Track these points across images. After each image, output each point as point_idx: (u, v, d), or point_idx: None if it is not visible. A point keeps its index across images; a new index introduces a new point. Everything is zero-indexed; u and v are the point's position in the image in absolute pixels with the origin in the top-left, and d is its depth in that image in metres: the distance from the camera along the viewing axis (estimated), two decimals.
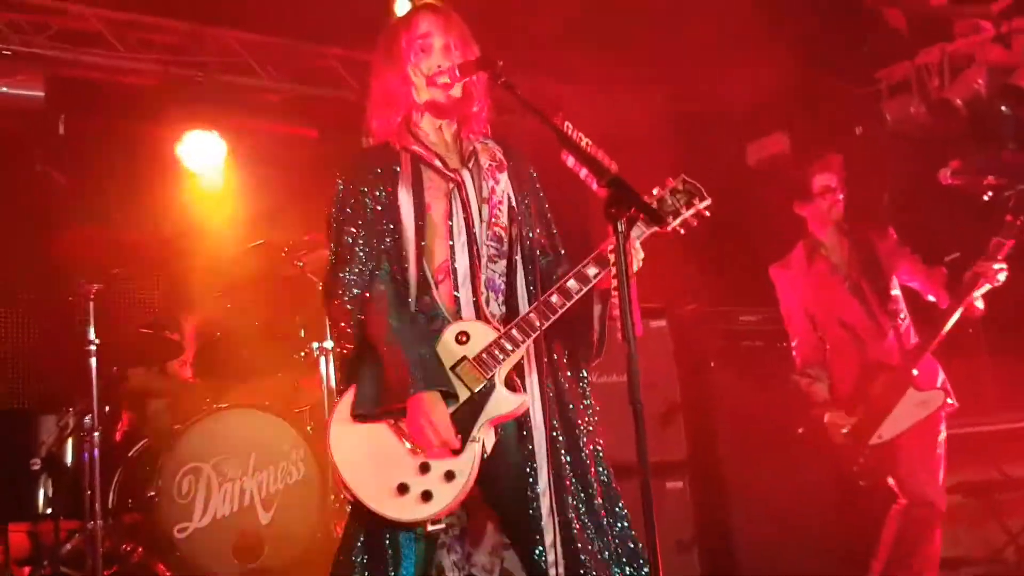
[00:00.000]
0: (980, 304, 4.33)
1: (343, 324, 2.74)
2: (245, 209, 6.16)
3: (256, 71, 6.39)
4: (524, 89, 2.62)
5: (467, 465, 2.58)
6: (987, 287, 4.32)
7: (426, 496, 2.55)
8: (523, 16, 5.43)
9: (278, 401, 5.24)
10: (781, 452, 5.49)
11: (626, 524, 2.77)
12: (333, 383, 5.21)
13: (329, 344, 5.13)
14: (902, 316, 4.55)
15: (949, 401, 4.39)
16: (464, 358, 2.65)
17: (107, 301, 5.10)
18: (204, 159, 6.25)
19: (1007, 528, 5.86)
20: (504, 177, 2.89)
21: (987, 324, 4.84)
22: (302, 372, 5.43)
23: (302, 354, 5.30)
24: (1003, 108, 5.95)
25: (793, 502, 5.46)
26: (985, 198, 6.08)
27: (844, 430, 4.44)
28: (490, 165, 2.88)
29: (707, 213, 2.75)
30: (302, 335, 5.23)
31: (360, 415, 2.64)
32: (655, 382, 5.30)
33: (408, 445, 2.59)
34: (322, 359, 5.17)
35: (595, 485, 2.76)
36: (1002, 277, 4.32)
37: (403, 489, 2.55)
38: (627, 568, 2.70)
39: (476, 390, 2.63)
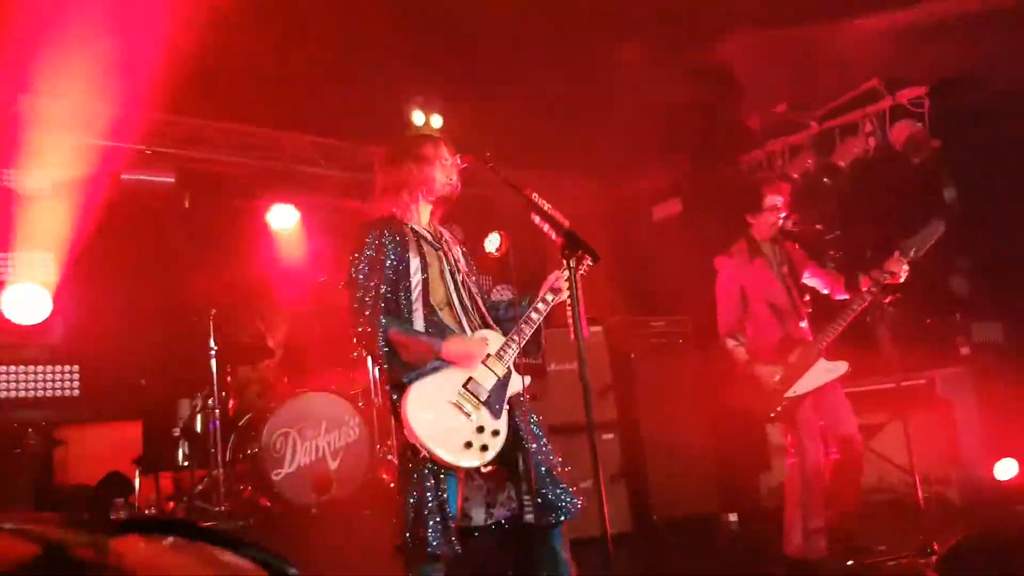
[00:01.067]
0: (903, 276, 4.01)
1: (372, 345, 2.75)
2: (312, 257, 6.27)
3: (319, 162, 6.52)
4: (503, 172, 2.78)
5: (504, 425, 2.75)
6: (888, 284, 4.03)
7: (484, 448, 2.68)
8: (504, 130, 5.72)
9: (338, 386, 5.27)
10: (680, 414, 5.67)
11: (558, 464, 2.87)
12: (376, 373, 5.25)
13: None
14: (809, 309, 4.35)
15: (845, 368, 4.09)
16: (488, 354, 2.79)
17: (222, 321, 5.22)
18: (284, 223, 6.41)
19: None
20: (457, 248, 3.03)
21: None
22: (354, 366, 5.48)
23: (354, 355, 5.38)
24: (824, 180, 6.36)
25: (687, 448, 5.61)
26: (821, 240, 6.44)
27: (776, 378, 4.05)
28: (450, 239, 3.03)
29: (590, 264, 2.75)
30: (354, 342, 5.25)
31: (409, 380, 2.69)
32: (594, 370, 5.20)
33: (469, 416, 2.69)
34: (368, 358, 5.11)
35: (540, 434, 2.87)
36: (903, 276, 4.01)
37: (468, 445, 2.66)
38: (558, 488, 2.80)
39: (502, 375, 2.78)
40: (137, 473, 5.18)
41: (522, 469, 2.76)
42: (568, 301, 2.67)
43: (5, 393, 4.07)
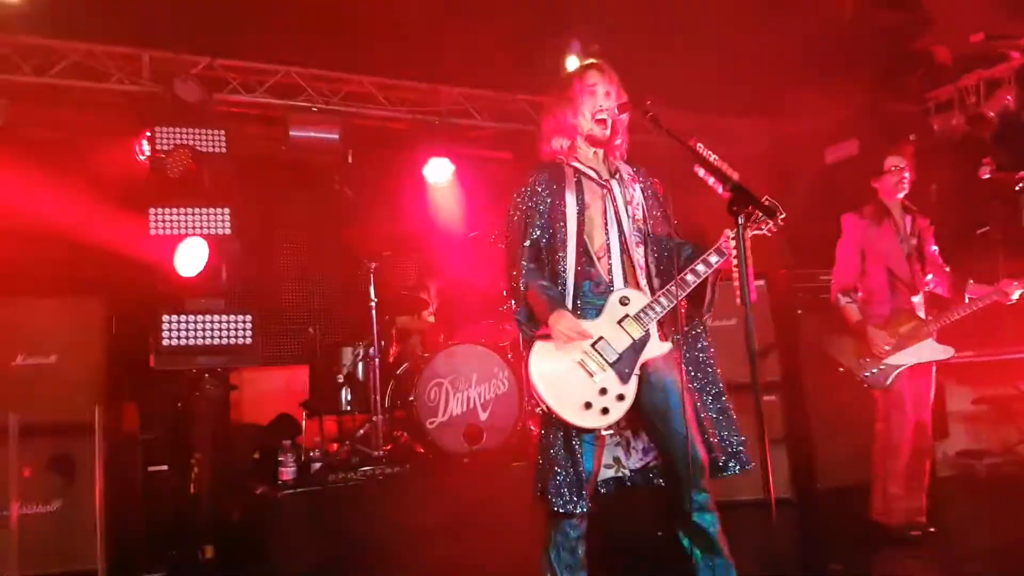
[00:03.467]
0: (1015, 297, 3.91)
1: (515, 297, 2.74)
2: (466, 209, 6.25)
3: (473, 115, 6.47)
4: (664, 120, 2.56)
5: (632, 391, 2.58)
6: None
7: (604, 411, 2.55)
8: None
9: (489, 339, 5.25)
10: (848, 378, 5.33)
11: (732, 416, 2.73)
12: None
13: None
14: (927, 287, 4.20)
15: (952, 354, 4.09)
16: (627, 315, 2.62)
17: (381, 273, 5.25)
18: (439, 177, 6.38)
19: (1020, 429, 5.62)
20: (638, 187, 2.82)
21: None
22: (504, 319, 5.39)
23: (504, 307, 5.24)
24: None
25: (855, 412, 5.17)
26: (1016, 188, 5.68)
27: (887, 347, 4.02)
28: (629, 178, 2.82)
29: (782, 223, 2.55)
30: (504, 295, 5.12)
31: (529, 336, 2.66)
32: (757, 326, 5.05)
33: (592, 375, 2.56)
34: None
35: (712, 392, 2.73)
36: (1016, 297, 3.94)
37: (588, 406, 2.55)
38: (735, 443, 2.70)
39: (637, 338, 2.60)
40: (304, 416, 5.40)
41: (670, 423, 2.61)
42: (735, 262, 2.40)
43: (185, 341, 4.26)
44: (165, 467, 4.54)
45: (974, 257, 4.59)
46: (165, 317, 4.19)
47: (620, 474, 2.77)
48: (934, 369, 4.15)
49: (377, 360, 5.11)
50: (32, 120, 5.49)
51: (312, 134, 5.93)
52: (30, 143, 5.40)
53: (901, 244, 4.21)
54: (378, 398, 5.07)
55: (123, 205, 5.15)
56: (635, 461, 2.77)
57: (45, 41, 5.42)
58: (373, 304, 5.13)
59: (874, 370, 4.10)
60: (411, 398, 4.97)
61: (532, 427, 5.08)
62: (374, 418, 5.03)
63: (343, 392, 5.36)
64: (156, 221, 4.56)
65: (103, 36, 5.52)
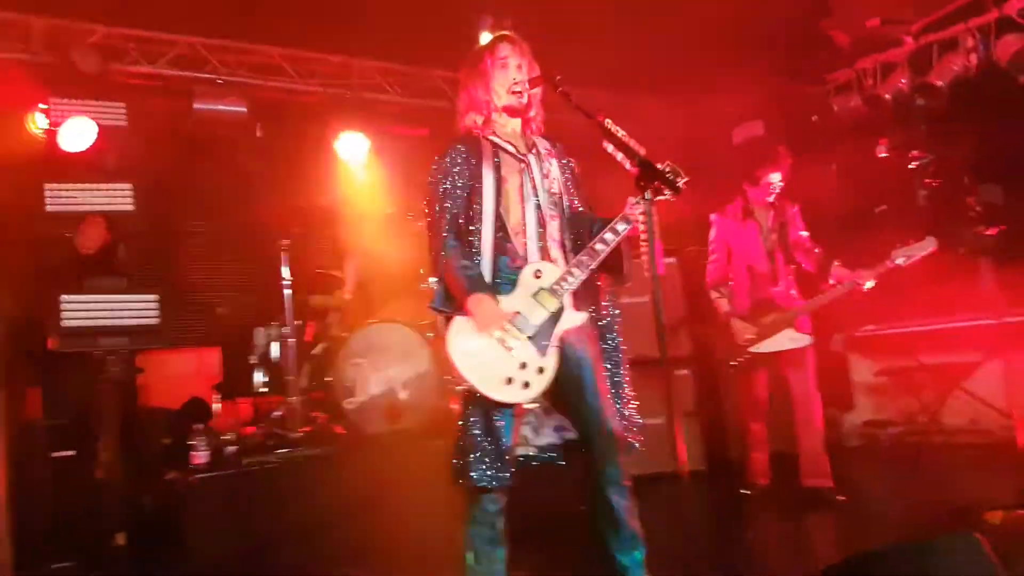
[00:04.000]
0: (867, 286, 4.20)
1: (433, 272, 2.78)
2: (381, 186, 6.09)
3: (387, 89, 6.40)
4: (575, 96, 2.58)
5: (551, 363, 2.60)
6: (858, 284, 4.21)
7: (525, 385, 2.56)
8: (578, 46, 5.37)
9: (408, 317, 5.18)
10: None
11: (628, 390, 2.76)
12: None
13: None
14: (790, 276, 4.51)
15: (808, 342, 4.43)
16: (541, 288, 2.63)
17: (294, 250, 5.11)
18: (353, 152, 6.24)
19: (920, 400, 5.86)
20: (554, 161, 2.83)
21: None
22: (423, 298, 5.02)
23: (423, 286, 5.23)
24: (919, 100, 5.83)
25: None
26: (911, 166, 6.01)
27: (747, 335, 4.45)
28: (545, 152, 2.82)
29: (684, 187, 2.55)
30: (421, 272, 5.22)
31: (439, 310, 2.67)
32: (668, 302, 5.09)
33: (511, 350, 2.56)
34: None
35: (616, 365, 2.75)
36: (867, 287, 4.21)
37: (509, 381, 2.55)
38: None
39: (552, 310, 2.61)
40: (217, 399, 5.28)
41: (584, 396, 2.64)
42: (643, 236, 2.48)
43: (87, 322, 4.09)
44: (72, 452, 4.36)
45: (872, 235, 4.83)
46: (64, 297, 4.02)
47: (527, 452, 2.78)
48: (807, 352, 4.46)
49: (292, 340, 5.02)
50: None
51: (218, 107, 5.78)
52: None
53: (763, 241, 4.53)
54: (294, 379, 4.98)
55: (17, 181, 4.88)
56: (544, 439, 2.78)
57: None
58: (286, 283, 5.03)
59: (740, 359, 4.50)
60: (329, 378, 4.91)
61: (454, 406, 5.07)
62: (290, 399, 4.95)
63: (257, 374, 5.24)
64: (53, 198, 4.34)
65: None
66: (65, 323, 4.01)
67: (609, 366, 2.75)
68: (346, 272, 5.62)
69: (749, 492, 4.71)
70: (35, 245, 4.47)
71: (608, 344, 2.77)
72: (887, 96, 5.90)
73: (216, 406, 5.29)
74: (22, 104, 5.22)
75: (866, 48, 6.08)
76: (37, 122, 5.03)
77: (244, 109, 5.76)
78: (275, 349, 5.20)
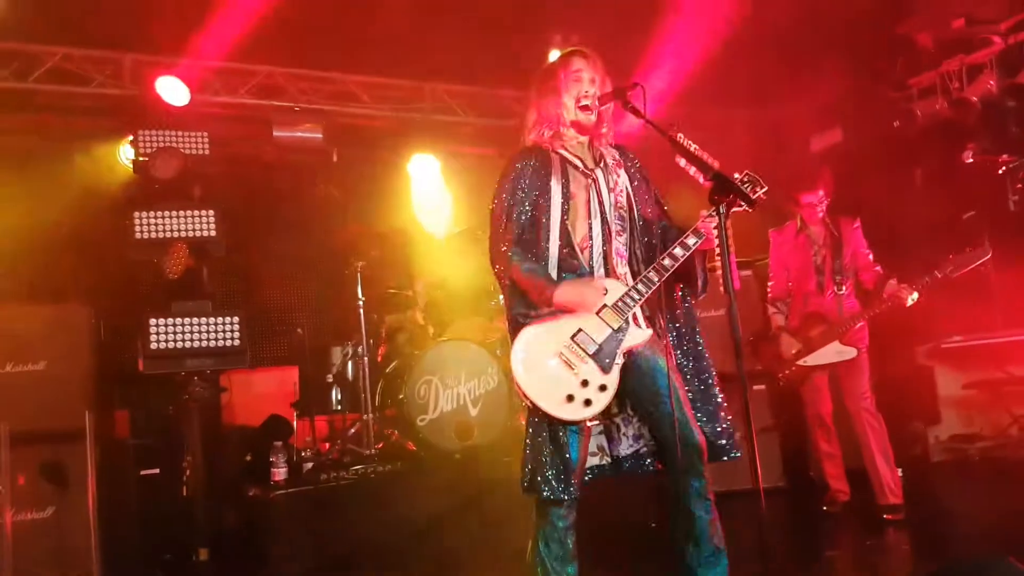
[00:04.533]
0: (910, 301, 4.18)
1: (501, 282, 2.72)
2: (451, 206, 6.22)
3: (457, 111, 6.48)
4: (647, 110, 2.58)
5: (613, 380, 2.56)
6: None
7: (587, 403, 2.53)
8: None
9: (478, 335, 5.25)
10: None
11: (721, 402, 2.70)
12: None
13: None
14: (841, 291, 4.51)
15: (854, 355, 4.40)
16: (605, 305, 2.59)
17: (368, 271, 5.25)
18: (424, 173, 6.37)
19: (1011, 413, 5.63)
20: (623, 172, 2.79)
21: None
22: (493, 315, 5.43)
23: (492, 303, 5.32)
24: (1009, 103, 5.57)
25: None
26: (1000, 171, 5.74)
27: (793, 350, 4.55)
28: (614, 163, 2.79)
29: (764, 197, 2.59)
30: (492, 290, 5.24)
31: (522, 316, 2.61)
32: (744, 316, 5.04)
33: (573, 368, 2.53)
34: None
35: (702, 378, 2.70)
36: (910, 302, 4.17)
37: (570, 398, 2.53)
38: (721, 439, 2.66)
39: (616, 327, 2.57)
40: (295, 416, 5.39)
41: (662, 406, 2.58)
42: (717, 250, 2.42)
43: (173, 344, 4.26)
44: (157, 471, 4.54)
45: (962, 242, 4.63)
46: (152, 320, 4.20)
47: (604, 462, 2.76)
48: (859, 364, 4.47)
49: (366, 359, 5.12)
50: (15, 126, 5.46)
51: (296, 134, 5.99)
52: (13, 150, 5.38)
53: (813, 256, 4.61)
54: (368, 397, 5.08)
55: (108, 210, 5.16)
56: (624, 448, 2.75)
57: (23, 46, 5.40)
58: (361, 303, 5.14)
59: (787, 371, 4.61)
60: (401, 396, 4.96)
61: (522, 421, 5.06)
62: (364, 417, 5.04)
63: (333, 392, 5.41)
64: (141, 225, 4.56)
65: (82, 40, 5.51)
66: (153, 346, 4.18)
67: (691, 375, 2.71)
68: (417, 291, 5.70)
69: (829, 509, 4.63)
70: (125, 270, 4.71)
71: (688, 352, 2.73)
72: (974, 99, 5.64)
73: (292, 425, 5.41)
74: (113, 136, 5.55)
75: (951, 49, 5.83)
76: (126, 153, 5.32)
77: (320, 135, 5.96)
78: (350, 368, 5.35)
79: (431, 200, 6.33)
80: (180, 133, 4.95)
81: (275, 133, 5.86)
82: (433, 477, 4.62)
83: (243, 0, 5.11)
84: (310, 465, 4.81)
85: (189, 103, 5.37)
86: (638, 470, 2.75)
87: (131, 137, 5.08)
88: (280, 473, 4.51)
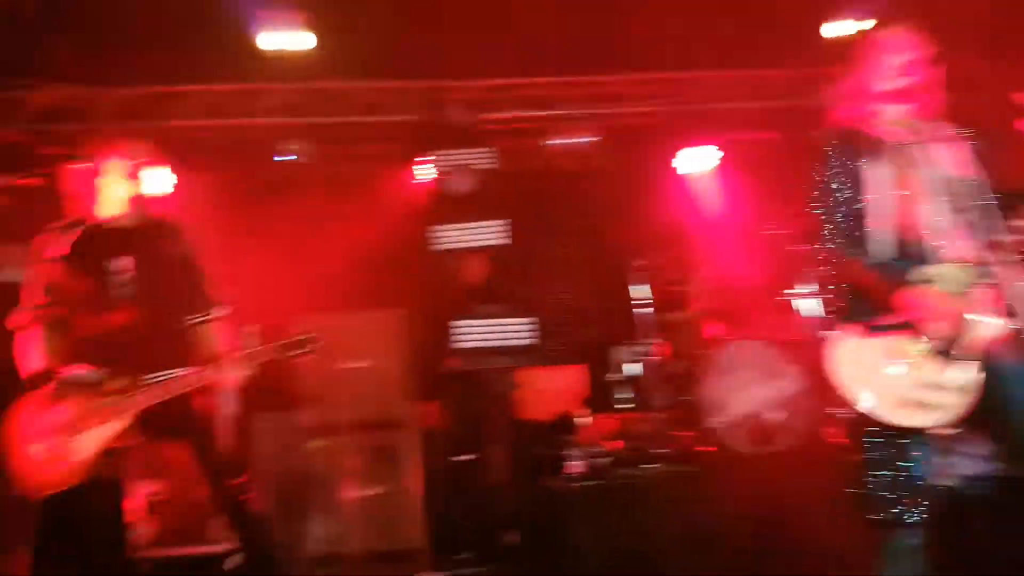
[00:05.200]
0: None
1: (832, 281, 2.55)
2: (731, 197, 6.01)
3: (729, 98, 6.17)
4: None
5: (968, 382, 2.29)
6: None
7: (934, 407, 2.29)
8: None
9: (769, 333, 5.03)
10: None
11: None
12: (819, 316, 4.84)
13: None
14: None
15: None
16: (948, 292, 2.33)
17: (648, 270, 5.26)
18: (700, 165, 6.22)
19: None
20: (945, 147, 2.52)
21: None
22: (790, 312, 5.09)
23: (779, 299, 5.03)
24: None
25: None
26: None
27: None
28: (936, 137, 2.54)
29: None
30: (786, 286, 4.98)
31: (866, 326, 2.39)
32: None
33: (915, 366, 2.30)
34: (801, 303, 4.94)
35: None
36: None
37: (913, 403, 2.32)
38: None
39: (966, 317, 2.32)
40: (583, 414, 5.48)
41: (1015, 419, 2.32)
42: None
43: (476, 343, 4.60)
44: (472, 457, 4.93)
45: None
46: (458, 323, 4.57)
47: (950, 482, 2.58)
48: None
49: (651, 358, 5.14)
50: (329, 156, 6.23)
51: (569, 140, 6.15)
52: (332, 178, 6.14)
53: None
54: (654, 396, 5.08)
55: (413, 225, 5.71)
56: (969, 467, 2.57)
57: (332, 84, 6.14)
58: (644, 301, 5.18)
59: None
60: (691, 396, 4.92)
61: (830, 432, 4.76)
62: (653, 416, 5.05)
63: (619, 390, 5.43)
64: (440, 238, 4.98)
65: (380, 73, 6.14)
66: (459, 345, 4.56)
67: None
68: (696, 288, 5.62)
69: None
70: (430, 279, 5.18)
71: None
72: None
73: (583, 420, 5.57)
74: (410, 159, 6.13)
75: None
76: (425, 172, 5.85)
77: (593, 139, 6.09)
78: (634, 367, 5.36)
79: (708, 192, 6.19)
80: (470, 151, 5.35)
81: (549, 142, 6.06)
82: (728, 481, 4.50)
83: (514, 18, 5.38)
84: (604, 461, 4.91)
85: (474, 121, 5.75)
86: (987, 492, 2.56)
87: (428, 158, 5.58)
88: (576, 466, 4.67)
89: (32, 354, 2.88)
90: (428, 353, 5.11)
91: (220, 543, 4.77)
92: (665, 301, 5.54)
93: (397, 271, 5.54)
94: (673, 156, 6.30)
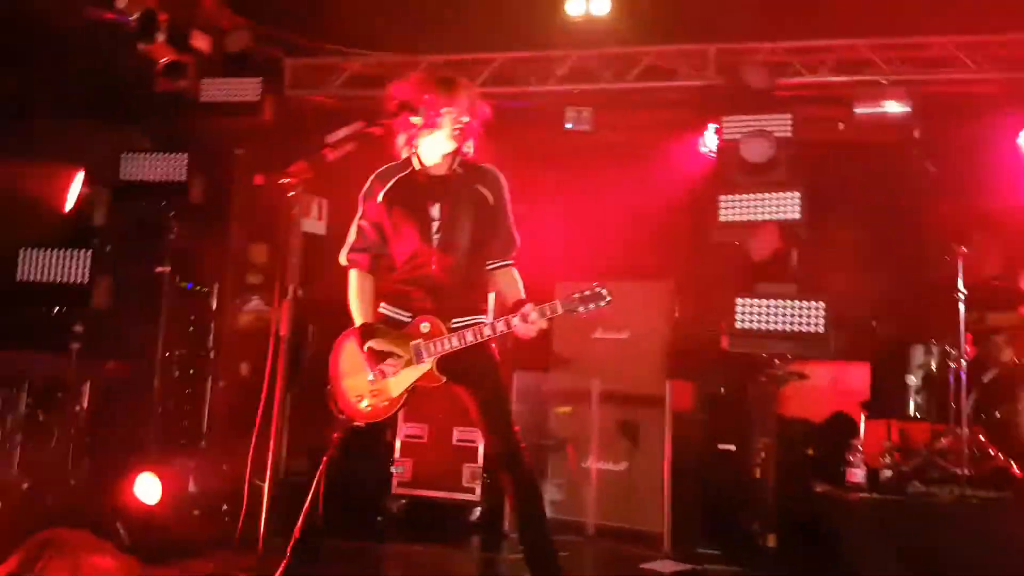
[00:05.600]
0: None
1: None
2: None
3: None
4: None
5: None
6: None
7: None
8: None
9: None
10: None
11: None
12: None
13: None
14: None
15: None
16: None
17: (969, 260, 4.52)
18: None
19: None
20: None
21: None
22: None
23: None
24: None
25: None
26: None
27: None
28: None
29: None
30: None
31: None
32: None
33: None
34: None
35: None
36: None
37: None
38: None
39: None
40: (863, 417, 5.01)
41: None
42: None
43: (757, 324, 4.29)
44: (733, 447, 4.67)
45: None
46: (739, 300, 4.29)
47: None
48: None
49: (963, 362, 4.46)
50: (611, 124, 6.14)
51: (879, 109, 5.50)
52: (611, 145, 6.07)
53: None
54: (959, 407, 4.42)
55: (691, 194, 5.46)
56: None
57: (622, 49, 6.02)
58: (961, 296, 4.48)
59: None
60: (1004, 410, 4.40)
61: None
62: (956, 430, 4.42)
63: (912, 396, 4.84)
64: (726, 208, 4.70)
65: (672, 36, 5.92)
66: (738, 324, 4.27)
67: None
68: None
69: None
70: (706, 251, 4.92)
71: None
72: None
73: (864, 425, 5.02)
74: (696, 125, 5.86)
75: None
76: (709, 140, 5.56)
77: (908, 108, 5.39)
78: (938, 370, 4.76)
79: None
80: (764, 117, 4.98)
81: (856, 110, 5.47)
82: None
83: None
84: (888, 473, 4.39)
85: (771, 86, 5.34)
86: None
87: (715, 125, 5.27)
88: (857, 475, 4.23)
89: (354, 291, 3.06)
90: (694, 329, 4.89)
91: (468, 492, 5.03)
92: (984, 299, 4.84)
93: (675, 241, 5.36)
94: (1007, 131, 5.48)
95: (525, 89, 6.09)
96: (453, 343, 2.84)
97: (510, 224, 3.04)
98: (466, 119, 2.93)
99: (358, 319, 3.00)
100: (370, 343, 2.90)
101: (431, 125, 2.89)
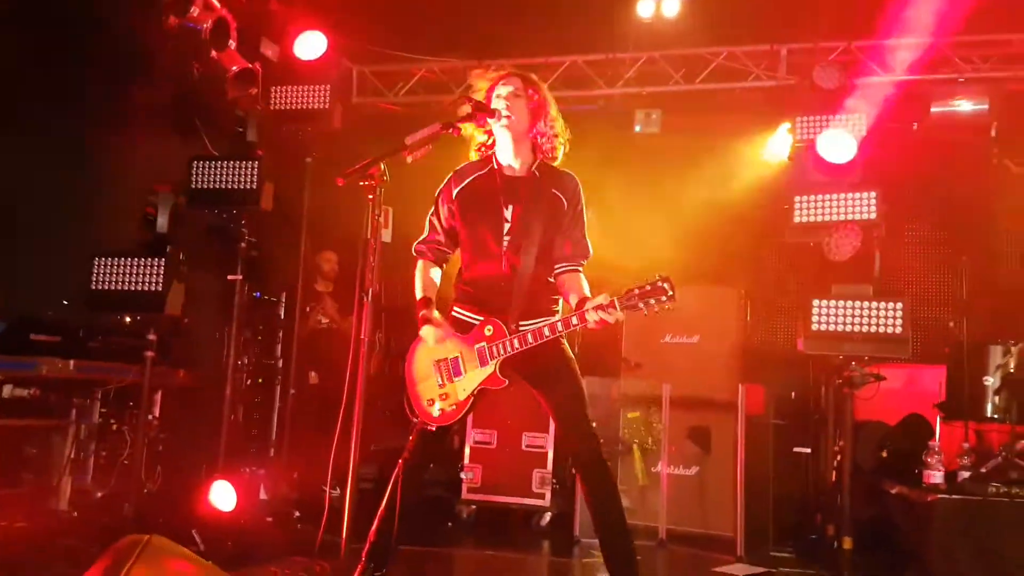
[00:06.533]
0: None
1: None
2: None
3: None
4: None
5: None
6: None
7: None
8: None
9: None
10: None
11: None
12: None
13: None
14: None
15: None
16: None
17: None
18: None
19: None
20: None
21: None
22: None
23: None
24: None
25: None
26: None
27: None
28: None
29: None
30: None
31: None
32: None
33: None
34: None
35: None
36: None
37: None
38: None
39: None
40: (938, 419, 4.98)
41: None
42: None
43: (833, 326, 4.30)
44: (808, 450, 4.69)
45: None
46: (815, 302, 4.32)
47: None
48: None
49: None
50: (682, 125, 6.18)
51: (955, 108, 5.48)
52: (680, 148, 6.10)
53: None
54: None
55: (762, 196, 5.49)
56: None
57: (693, 50, 6.07)
58: None
59: None
60: None
61: None
62: None
63: (991, 397, 4.75)
64: (801, 209, 4.74)
65: (743, 37, 5.95)
66: (814, 327, 4.30)
67: None
68: None
69: None
70: (783, 254, 4.95)
71: None
72: None
73: (938, 427, 4.99)
74: (768, 126, 5.89)
75: None
76: (781, 140, 5.58)
77: (986, 106, 5.37)
78: (1015, 371, 4.67)
79: None
80: (836, 117, 5.00)
81: (933, 109, 5.45)
82: None
83: None
84: (966, 474, 4.37)
85: (845, 86, 5.35)
86: None
87: (788, 125, 5.30)
88: (934, 476, 4.22)
89: (420, 284, 3.07)
90: (766, 333, 4.93)
91: (537, 497, 5.10)
92: None
93: (745, 244, 5.39)
94: None
95: (594, 92, 6.19)
96: (515, 345, 2.84)
97: (583, 231, 3.03)
98: (536, 97, 2.97)
99: (419, 294, 3.04)
100: (435, 348, 2.94)
101: (501, 118, 2.93)
